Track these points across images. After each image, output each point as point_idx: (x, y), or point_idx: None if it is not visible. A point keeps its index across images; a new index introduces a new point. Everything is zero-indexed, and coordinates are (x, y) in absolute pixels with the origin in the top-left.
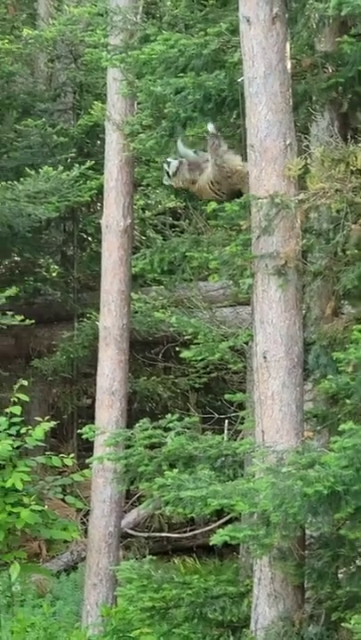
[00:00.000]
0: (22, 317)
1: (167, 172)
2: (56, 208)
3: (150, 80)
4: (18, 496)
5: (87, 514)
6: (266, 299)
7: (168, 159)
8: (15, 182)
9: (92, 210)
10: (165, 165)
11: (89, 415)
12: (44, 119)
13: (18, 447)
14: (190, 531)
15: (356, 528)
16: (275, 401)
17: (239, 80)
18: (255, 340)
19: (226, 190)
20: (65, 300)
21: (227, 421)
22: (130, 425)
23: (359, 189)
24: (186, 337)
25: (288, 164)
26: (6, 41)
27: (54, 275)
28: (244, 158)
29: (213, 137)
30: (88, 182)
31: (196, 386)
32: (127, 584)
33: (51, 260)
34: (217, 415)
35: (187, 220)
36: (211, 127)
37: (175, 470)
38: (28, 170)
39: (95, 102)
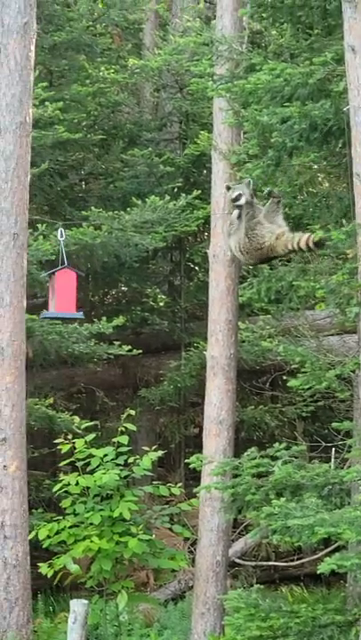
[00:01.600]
0: (130, 347)
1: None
2: (163, 238)
3: (256, 109)
4: (126, 525)
5: (194, 543)
6: None
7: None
8: (122, 212)
9: (198, 239)
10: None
11: (196, 444)
12: (150, 149)
13: (125, 477)
14: (297, 559)
15: None
16: None
17: (345, 109)
18: None
19: (255, 260)
20: (172, 329)
21: (334, 450)
22: (237, 454)
23: None
24: (293, 366)
25: None
26: (112, 71)
27: (161, 304)
28: (351, 188)
29: (248, 206)
30: (195, 212)
31: (304, 414)
32: (235, 613)
33: (158, 290)
34: (324, 443)
35: None
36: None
37: (282, 499)
38: (135, 199)
39: (201, 132)
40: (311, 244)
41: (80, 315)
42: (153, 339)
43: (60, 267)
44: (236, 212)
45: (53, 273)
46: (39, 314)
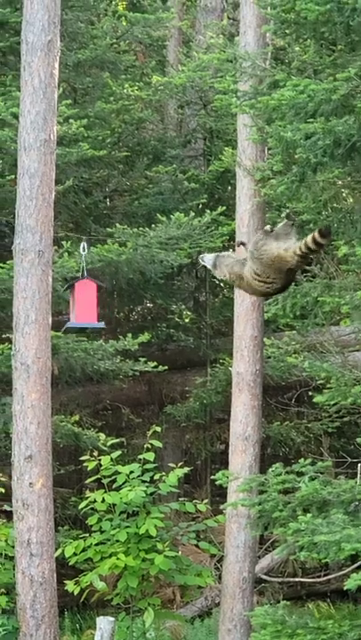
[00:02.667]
0: (155, 364)
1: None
2: (188, 254)
3: (280, 126)
4: (152, 542)
5: (221, 559)
6: None
7: (202, 255)
8: (147, 229)
9: None
10: (201, 260)
11: (222, 461)
12: (174, 165)
13: (152, 493)
14: (324, 575)
15: None
16: None
17: None
18: None
19: (275, 275)
20: (198, 345)
21: (360, 465)
22: (263, 470)
23: None
24: (318, 381)
25: None
26: (136, 88)
27: (187, 321)
28: None
29: (264, 232)
30: (220, 228)
31: (329, 430)
32: (261, 630)
33: (183, 307)
34: (350, 459)
35: (318, 265)
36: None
37: (309, 515)
38: (160, 216)
39: (225, 148)
40: (318, 238)
41: (101, 325)
42: (178, 355)
43: (79, 278)
44: (210, 256)
45: (73, 285)
46: (64, 330)
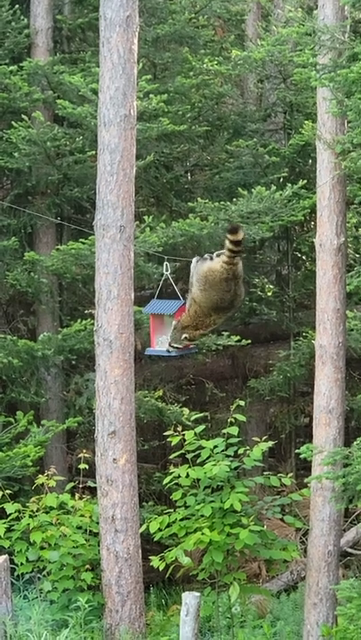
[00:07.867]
0: (238, 338)
1: None
2: (270, 228)
3: (360, 98)
4: (237, 517)
5: (306, 533)
6: None
7: None
8: (228, 202)
9: (305, 229)
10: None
11: (307, 434)
12: (255, 139)
13: (236, 468)
14: None
15: None
16: None
17: None
18: None
19: (211, 288)
20: (281, 319)
21: None
22: (347, 443)
23: None
24: None
25: None
26: (215, 62)
27: (269, 294)
28: None
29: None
30: (301, 201)
31: None
32: (347, 603)
33: (266, 280)
34: None
35: None
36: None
37: None
38: (241, 190)
39: (305, 121)
40: (230, 236)
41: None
42: (262, 329)
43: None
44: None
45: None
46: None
